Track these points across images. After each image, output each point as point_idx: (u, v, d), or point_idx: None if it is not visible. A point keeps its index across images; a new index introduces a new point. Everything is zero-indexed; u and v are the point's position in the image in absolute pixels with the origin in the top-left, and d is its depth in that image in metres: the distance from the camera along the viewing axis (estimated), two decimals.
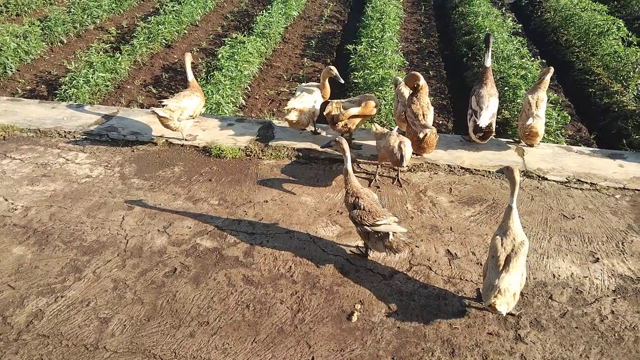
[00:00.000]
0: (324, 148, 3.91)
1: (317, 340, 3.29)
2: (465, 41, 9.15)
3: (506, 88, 7.23)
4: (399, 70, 7.89)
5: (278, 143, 5.36)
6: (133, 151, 5.31)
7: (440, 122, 7.33)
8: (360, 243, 4.02)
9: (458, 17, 10.30)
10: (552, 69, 5.13)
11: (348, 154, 3.81)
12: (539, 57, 8.87)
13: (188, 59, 5.36)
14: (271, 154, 5.21)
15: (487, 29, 8.80)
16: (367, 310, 3.51)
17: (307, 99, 5.18)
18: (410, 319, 3.44)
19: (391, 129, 4.78)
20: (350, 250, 3.99)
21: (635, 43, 8.42)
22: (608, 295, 3.60)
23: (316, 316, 3.46)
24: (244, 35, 8.98)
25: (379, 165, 4.84)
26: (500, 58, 7.90)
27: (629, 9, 10.71)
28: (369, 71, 7.58)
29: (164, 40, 9.38)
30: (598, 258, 3.91)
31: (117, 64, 7.90)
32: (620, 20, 9.11)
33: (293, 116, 5.06)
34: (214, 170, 4.98)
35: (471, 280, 3.73)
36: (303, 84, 5.62)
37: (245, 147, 5.29)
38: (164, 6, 10.45)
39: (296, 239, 4.10)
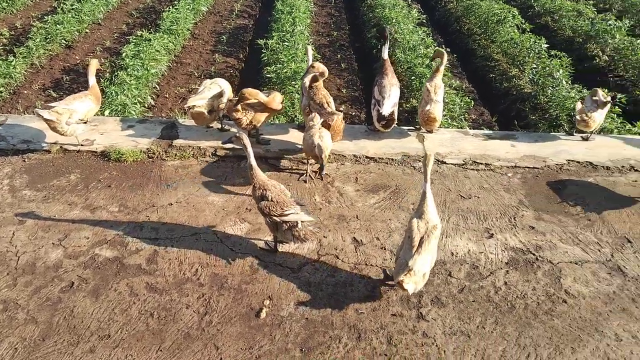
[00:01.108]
0: (225, 144, 3.85)
1: (225, 341, 3.25)
2: (374, 33, 9.37)
3: (413, 77, 7.49)
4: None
5: (183, 142, 5.21)
6: (24, 161, 4.94)
7: (354, 113, 7.47)
8: (270, 238, 4.01)
9: (367, 9, 10.51)
10: (445, 56, 5.38)
11: (250, 149, 3.78)
12: (443, 46, 9.25)
13: (93, 65, 5.14)
14: (175, 155, 5.05)
15: (394, 21, 9.06)
16: (276, 305, 3.51)
17: (210, 94, 5.08)
18: (319, 309, 3.48)
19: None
20: (260, 247, 3.97)
21: (528, 30, 9.01)
22: (501, 268, 3.84)
23: (224, 317, 3.41)
24: (150, 33, 8.65)
25: (308, 160, 4.82)
26: (407, 48, 8.15)
27: None
28: (281, 65, 7.56)
29: (63, 41, 8.83)
30: (492, 234, 4.16)
31: (11, 67, 7.34)
32: (515, 8, 9.72)
33: (196, 109, 4.97)
34: (113, 175, 4.76)
35: (376, 265, 3.83)
36: (208, 79, 5.51)
37: (147, 148, 5.10)
38: (61, 4, 9.82)
39: (203, 240, 4.01)
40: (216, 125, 5.50)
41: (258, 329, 3.34)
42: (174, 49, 8.83)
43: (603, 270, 3.84)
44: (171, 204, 4.38)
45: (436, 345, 3.26)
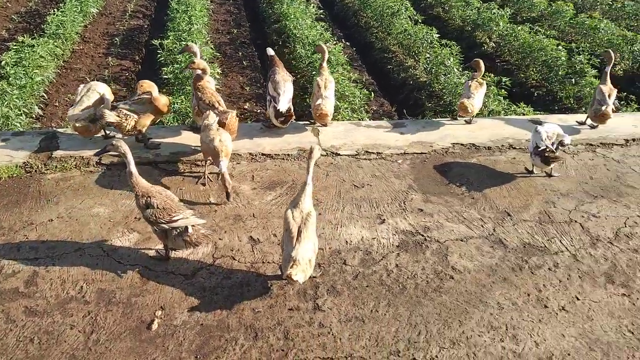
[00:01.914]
0: (100, 155, 3.64)
1: (115, 358, 3.09)
2: (275, 29, 9.37)
3: (314, 72, 7.56)
4: (211, 63, 7.79)
5: (64, 153, 4.90)
6: None
7: (259, 110, 7.43)
8: (160, 246, 3.87)
9: (266, 5, 10.49)
10: (326, 51, 5.50)
11: (130, 156, 3.61)
12: (343, 40, 9.45)
13: None
14: (56, 167, 4.74)
15: (293, 16, 9.10)
16: (169, 314, 3.39)
17: (91, 103, 4.81)
18: (214, 314, 3.41)
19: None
20: (151, 256, 3.83)
21: (420, 21, 9.42)
22: (393, 251, 3.98)
23: (112, 333, 3.25)
24: (34, 38, 8.05)
25: (206, 162, 4.67)
26: (306, 44, 8.22)
27: None
28: (178, 65, 7.35)
29: None
30: (384, 219, 4.30)
31: None
32: (407, 1, 10.12)
33: (80, 123, 4.70)
34: None
35: (273, 262, 3.82)
36: (82, 85, 5.19)
37: (24, 162, 4.74)
38: None
39: (88, 255, 3.79)
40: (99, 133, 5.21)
41: (150, 341, 3.22)
42: (62, 54, 8.31)
43: (486, 245, 4.09)
44: (52, 220, 4.10)
45: (332, 334, 3.31)
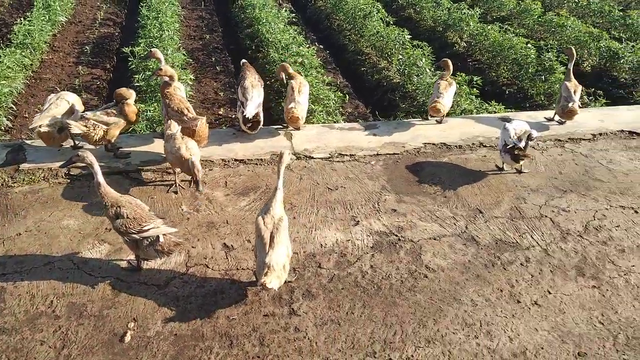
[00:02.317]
0: (66, 166, 3.58)
1: None
2: (247, 34, 9.34)
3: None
4: (184, 69, 7.73)
5: (32, 166, 4.80)
6: None
7: (233, 116, 7.38)
8: (132, 257, 3.82)
9: (238, 10, 10.45)
10: (289, 67, 5.52)
11: (96, 166, 3.56)
12: (316, 43, 9.47)
13: None
14: (24, 180, 4.64)
15: (265, 21, 9.09)
16: (142, 325, 3.35)
17: (59, 111, 4.73)
18: (188, 323, 3.37)
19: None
20: (122, 267, 3.77)
21: (392, 23, 9.50)
22: (367, 252, 3.99)
23: (84, 347, 3.19)
24: (0, 48, 7.89)
25: (175, 171, 4.63)
26: (279, 48, 8.21)
27: None
28: (150, 73, 7.26)
29: None
30: (358, 221, 4.31)
31: None
32: (379, 3, 10.19)
33: (43, 129, 4.62)
34: None
35: (248, 268, 3.80)
36: (52, 94, 5.11)
37: None
38: None
39: (57, 269, 3.72)
40: (68, 143, 5.11)
41: (123, 353, 3.17)
42: (31, 64, 8.15)
43: (459, 242, 4.14)
44: (20, 234, 4.01)
45: (308, 339, 3.31)
